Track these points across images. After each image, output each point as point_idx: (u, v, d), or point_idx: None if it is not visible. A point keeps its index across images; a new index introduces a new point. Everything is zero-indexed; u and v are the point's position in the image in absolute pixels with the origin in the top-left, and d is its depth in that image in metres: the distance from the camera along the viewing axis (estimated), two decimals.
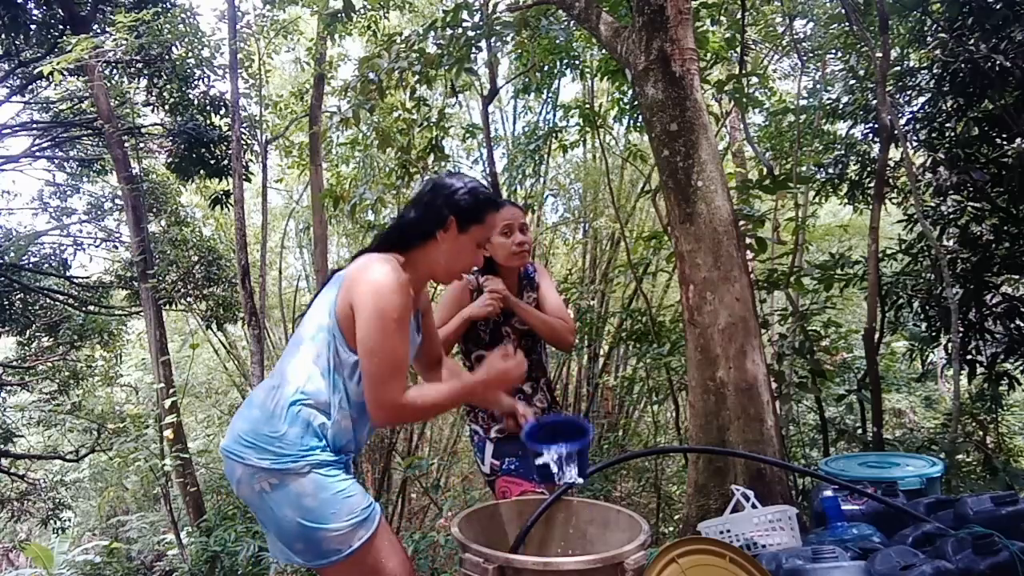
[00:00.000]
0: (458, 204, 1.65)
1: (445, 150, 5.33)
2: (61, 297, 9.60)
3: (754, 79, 5.04)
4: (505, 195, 6.63)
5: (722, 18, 5.03)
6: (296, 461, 1.51)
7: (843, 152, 5.66)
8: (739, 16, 4.76)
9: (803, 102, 5.97)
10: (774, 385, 3.28)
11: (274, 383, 1.62)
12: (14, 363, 9.67)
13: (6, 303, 8.59)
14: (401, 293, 1.53)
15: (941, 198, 4.46)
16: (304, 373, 1.59)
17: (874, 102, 4.82)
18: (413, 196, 1.81)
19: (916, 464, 2.49)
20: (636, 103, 4.40)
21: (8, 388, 9.80)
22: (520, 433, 1.91)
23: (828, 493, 1.99)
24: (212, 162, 7.66)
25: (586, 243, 8.72)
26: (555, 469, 1.74)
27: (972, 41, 4.00)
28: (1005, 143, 4.28)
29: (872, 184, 5.02)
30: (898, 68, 4.95)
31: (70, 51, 6.03)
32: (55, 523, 9.25)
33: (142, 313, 8.05)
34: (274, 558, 1.60)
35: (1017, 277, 4.41)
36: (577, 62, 5.92)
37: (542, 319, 2.34)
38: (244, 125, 7.25)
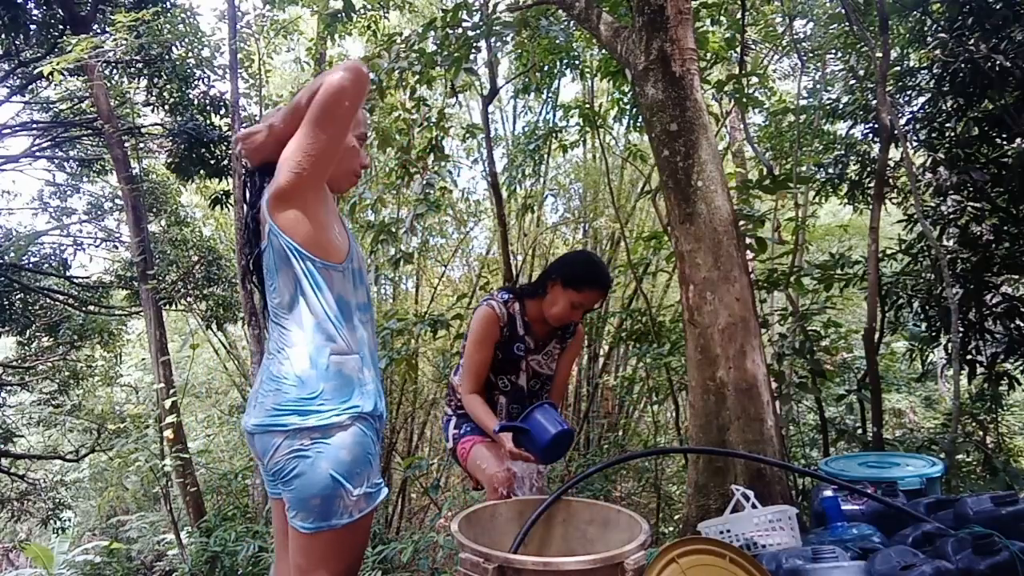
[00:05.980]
0: None
1: (445, 150, 5.33)
2: (61, 297, 9.59)
3: (754, 79, 5.04)
4: (505, 195, 6.63)
5: (722, 18, 5.03)
6: (339, 415, 1.52)
7: (843, 152, 5.65)
8: (739, 16, 4.76)
9: (803, 102, 5.97)
10: (774, 385, 3.28)
11: (281, 358, 1.57)
12: (14, 363, 9.68)
13: (6, 303, 8.58)
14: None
15: (941, 198, 4.45)
16: (308, 333, 1.56)
17: (874, 102, 4.81)
18: None
19: (916, 464, 2.49)
20: (636, 103, 4.40)
21: (8, 388, 9.80)
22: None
23: (828, 493, 1.99)
24: (212, 162, 7.65)
25: (586, 243, 8.71)
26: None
27: (972, 41, 3.99)
28: (1005, 143, 4.28)
29: (872, 184, 5.01)
30: (898, 68, 4.94)
31: (70, 51, 6.03)
32: (55, 523, 9.25)
33: (142, 313, 8.04)
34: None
35: (1017, 277, 4.40)
36: (577, 62, 5.92)
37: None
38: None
